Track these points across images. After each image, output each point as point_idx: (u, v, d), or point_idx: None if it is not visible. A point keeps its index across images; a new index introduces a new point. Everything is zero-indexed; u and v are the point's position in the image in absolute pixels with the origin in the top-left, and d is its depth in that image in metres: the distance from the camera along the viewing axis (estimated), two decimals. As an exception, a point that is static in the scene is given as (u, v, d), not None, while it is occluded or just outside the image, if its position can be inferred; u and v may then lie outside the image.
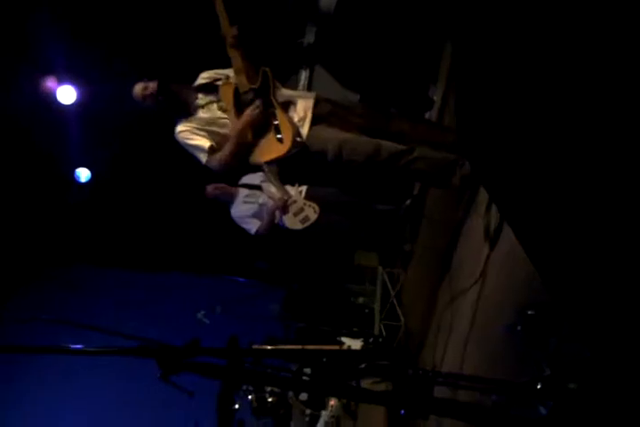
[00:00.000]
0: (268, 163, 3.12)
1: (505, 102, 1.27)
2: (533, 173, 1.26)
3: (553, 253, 1.26)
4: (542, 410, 1.76)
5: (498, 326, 2.08)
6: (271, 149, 3.02)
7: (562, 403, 1.70)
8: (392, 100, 4.84)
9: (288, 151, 2.97)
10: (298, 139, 2.99)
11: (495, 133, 1.33)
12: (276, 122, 3.00)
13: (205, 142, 3.09)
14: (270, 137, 3.01)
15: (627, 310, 1.13)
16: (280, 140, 2.99)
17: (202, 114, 3.17)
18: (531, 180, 1.28)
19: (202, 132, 3.12)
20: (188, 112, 3.17)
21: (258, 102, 2.99)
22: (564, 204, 1.22)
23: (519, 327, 1.84)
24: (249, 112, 2.98)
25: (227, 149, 3.05)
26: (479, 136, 1.39)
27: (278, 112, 3.01)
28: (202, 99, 3.20)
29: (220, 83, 3.17)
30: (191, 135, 3.12)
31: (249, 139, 3.03)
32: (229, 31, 2.99)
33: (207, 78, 3.24)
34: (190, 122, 3.15)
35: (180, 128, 3.15)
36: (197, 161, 3.19)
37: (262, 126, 3.02)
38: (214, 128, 3.15)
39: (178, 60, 4.59)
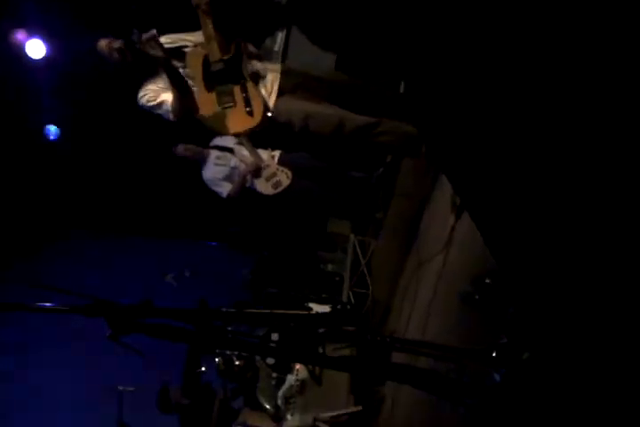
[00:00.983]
0: (237, 134, 3.07)
1: (461, 90, 1.25)
2: (489, 160, 1.25)
3: (503, 232, 1.26)
4: (496, 377, 1.79)
5: (458, 295, 2.09)
6: (240, 121, 2.98)
7: (515, 372, 1.72)
8: (368, 66, 4.77)
9: (257, 125, 2.96)
10: (268, 114, 2.96)
11: (449, 118, 1.31)
12: (245, 94, 2.94)
13: (168, 97, 3.03)
14: (239, 109, 2.96)
15: (572, 281, 1.13)
16: (250, 113, 2.94)
17: (166, 77, 3.07)
18: (486, 166, 1.27)
19: (165, 92, 3.05)
20: (151, 73, 3.08)
21: None
22: (513, 181, 1.21)
23: (477, 296, 1.85)
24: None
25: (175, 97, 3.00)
26: (434, 122, 1.37)
27: (249, 84, 2.95)
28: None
29: (187, 50, 3.07)
30: (154, 95, 3.05)
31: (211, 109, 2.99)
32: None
33: (171, 43, 3.13)
34: (153, 84, 3.07)
35: (142, 92, 3.08)
36: (166, 120, 3.11)
37: (231, 96, 2.95)
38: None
39: (147, 21, 4.45)
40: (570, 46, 1.00)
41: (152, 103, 3.04)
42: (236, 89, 2.96)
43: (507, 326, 1.80)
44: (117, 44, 3.00)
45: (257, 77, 3.02)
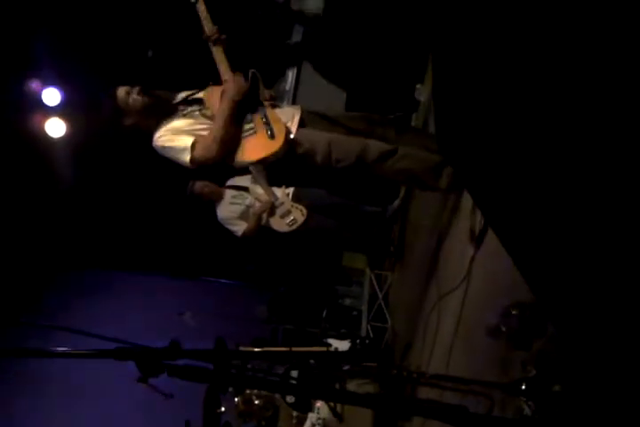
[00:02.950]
0: (259, 162, 2.98)
1: (483, 106, 1.27)
2: (514, 176, 1.26)
3: (535, 255, 1.26)
4: (526, 411, 1.76)
5: (482, 327, 2.07)
6: (262, 145, 2.92)
7: (545, 404, 1.70)
8: (378, 102, 4.84)
9: (281, 147, 2.89)
10: (290, 136, 2.94)
11: (475, 137, 1.33)
12: (265, 120, 2.94)
13: (188, 141, 2.93)
14: (261, 133, 2.92)
15: (610, 312, 1.12)
16: (271, 136, 2.92)
17: (183, 119, 3.08)
18: (512, 182, 1.28)
19: (183, 134, 2.97)
20: (167, 118, 3.03)
21: (238, 77, 2.92)
22: (545, 206, 1.21)
23: (503, 328, 1.84)
24: (233, 79, 2.88)
25: (213, 132, 2.89)
26: (459, 140, 1.39)
27: (268, 110, 2.96)
28: (184, 109, 3.10)
29: (202, 95, 3.10)
30: (171, 137, 2.97)
31: (232, 129, 2.90)
32: (212, 31, 2.94)
33: (187, 95, 3.15)
34: (170, 125, 3.01)
35: (158, 134, 2.99)
36: (181, 166, 3.05)
37: (251, 124, 2.95)
38: (197, 131, 3.00)
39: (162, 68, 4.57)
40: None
41: (169, 144, 2.96)
42: (256, 116, 2.97)
43: (534, 359, 1.79)
44: (137, 90, 3.02)
45: (276, 106, 3.05)
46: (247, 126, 2.95)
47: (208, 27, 2.94)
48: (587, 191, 1.12)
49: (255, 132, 2.94)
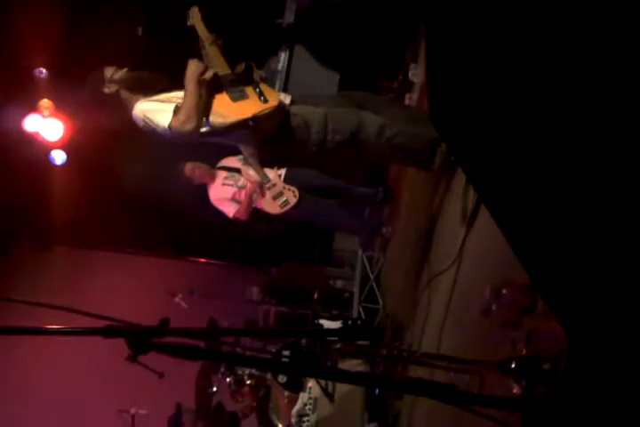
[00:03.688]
0: (250, 120, 2.82)
1: (477, 83, 1.25)
2: (508, 152, 1.25)
3: (528, 231, 1.26)
4: (516, 389, 1.77)
5: (473, 307, 2.08)
6: (254, 105, 2.83)
7: (535, 383, 1.71)
8: (371, 82, 4.81)
9: (274, 107, 2.80)
10: (285, 102, 2.88)
11: (468, 112, 1.31)
12: (257, 89, 2.87)
13: (169, 106, 2.80)
14: (253, 98, 2.84)
15: (602, 289, 1.12)
16: (265, 101, 2.82)
17: (169, 97, 2.98)
18: (505, 158, 1.27)
19: (165, 106, 2.84)
20: (150, 93, 2.92)
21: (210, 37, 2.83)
22: (539, 181, 1.21)
23: (493, 307, 1.84)
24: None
25: (192, 104, 2.76)
26: (452, 115, 1.38)
27: (261, 85, 2.90)
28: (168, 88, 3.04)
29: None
30: (155, 104, 2.86)
31: (204, 97, 2.78)
32: (209, 39, 2.85)
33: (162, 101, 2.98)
34: (155, 97, 2.90)
35: (141, 103, 2.88)
36: (162, 140, 2.96)
37: (240, 89, 2.87)
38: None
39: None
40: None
41: (150, 113, 2.84)
42: (249, 88, 2.90)
43: (525, 337, 1.80)
44: (119, 72, 2.95)
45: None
46: (238, 94, 2.87)
47: (204, 35, 2.86)
48: (579, 167, 1.11)
49: (247, 97, 2.86)
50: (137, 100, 2.93)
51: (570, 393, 1.44)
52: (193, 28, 2.90)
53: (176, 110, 2.78)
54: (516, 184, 1.26)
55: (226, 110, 2.84)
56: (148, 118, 2.86)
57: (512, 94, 1.18)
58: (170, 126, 2.77)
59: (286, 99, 2.94)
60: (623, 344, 1.17)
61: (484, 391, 1.97)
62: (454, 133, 1.35)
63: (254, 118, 2.82)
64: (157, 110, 2.84)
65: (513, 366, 1.77)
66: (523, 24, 1.12)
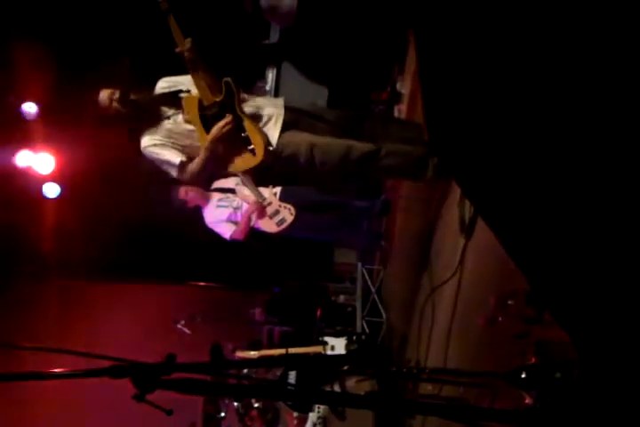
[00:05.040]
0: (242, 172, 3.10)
1: (470, 97, 1.24)
2: (501, 165, 1.24)
3: (527, 242, 1.24)
4: (528, 399, 1.74)
5: (479, 318, 2.05)
6: (243, 160, 3.00)
7: (547, 392, 1.67)
8: (360, 96, 4.82)
9: (261, 163, 2.96)
10: (270, 148, 2.97)
11: (462, 128, 1.30)
12: (244, 134, 2.95)
13: (176, 157, 3.02)
14: (241, 149, 2.98)
15: (605, 296, 1.10)
16: (252, 152, 2.96)
17: (168, 125, 3.08)
18: (499, 171, 1.25)
19: (170, 145, 3.04)
20: (152, 122, 3.06)
21: (229, 118, 2.94)
22: (534, 194, 1.19)
23: (500, 318, 1.81)
24: (217, 129, 2.93)
25: (198, 163, 3.02)
26: (447, 131, 1.36)
27: (247, 123, 2.96)
28: (165, 111, 3.11)
29: (183, 95, 3.08)
30: (160, 150, 3.03)
31: (220, 152, 3.00)
32: (184, 44, 2.89)
33: (167, 87, 3.14)
34: (156, 133, 3.04)
35: (147, 142, 3.05)
36: (167, 173, 3.11)
37: (231, 138, 2.97)
38: (183, 141, 3.06)
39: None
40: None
41: (158, 156, 3.04)
42: (236, 132, 2.98)
43: (534, 347, 1.77)
44: (117, 94, 3.01)
45: (254, 114, 3.02)
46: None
47: (179, 40, 2.89)
48: (573, 178, 1.10)
49: (236, 147, 2.98)
50: (140, 131, 3.07)
51: (583, 402, 1.41)
52: (181, 55, 2.92)
53: (181, 165, 3.02)
54: (511, 194, 1.24)
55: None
56: (154, 159, 3.07)
57: (506, 108, 1.17)
58: (178, 178, 3.08)
59: (274, 135, 2.98)
60: (630, 349, 1.15)
61: (496, 404, 1.93)
62: (449, 147, 1.34)
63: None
64: (164, 162, 3.06)
65: (523, 376, 1.74)
66: (512, 32, 1.11)
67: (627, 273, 1.03)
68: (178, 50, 2.90)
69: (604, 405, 1.32)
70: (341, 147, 2.94)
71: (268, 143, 2.94)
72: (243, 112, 2.98)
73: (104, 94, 3.04)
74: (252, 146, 2.95)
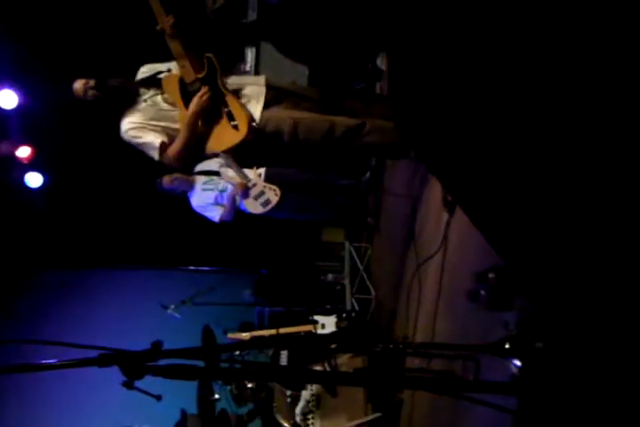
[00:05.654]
0: (225, 151, 3.03)
1: (435, 81, 1.24)
2: (470, 148, 1.24)
3: (500, 223, 1.25)
4: (513, 369, 1.77)
5: (462, 292, 2.07)
6: (226, 137, 2.94)
7: (530, 362, 1.71)
8: (341, 74, 4.78)
9: (244, 138, 2.91)
10: (253, 124, 2.92)
11: (428, 115, 1.31)
12: (227, 109, 2.91)
13: (156, 138, 2.95)
14: (224, 125, 2.92)
15: (578, 273, 1.12)
16: (235, 127, 2.91)
17: (146, 106, 3.03)
18: (467, 152, 1.26)
19: (150, 128, 2.98)
20: (130, 106, 3.03)
21: (204, 89, 2.89)
22: (502, 176, 1.20)
23: (482, 291, 1.84)
24: (196, 100, 2.88)
25: (178, 142, 2.95)
26: (415, 120, 1.37)
27: (229, 98, 2.91)
28: (144, 93, 3.07)
29: (162, 75, 3.05)
30: (139, 132, 2.97)
31: (200, 129, 2.93)
32: (165, 22, 2.85)
33: (147, 72, 3.11)
34: (135, 116, 2.99)
35: (125, 126, 2.99)
36: (149, 157, 3.07)
37: (213, 114, 2.92)
38: (162, 122, 3.01)
39: (117, 59, 4.44)
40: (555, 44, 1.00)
41: (138, 140, 2.98)
42: (220, 107, 2.94)
43: (516, 318, 1.79)
44: (92, 82, 2.98)
45: (237, 91, 3.00)
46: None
47: (161, 18, 2.85)
48: (542, 158, 1.10)
49: (219, 123, 2.92)
50: (119, 115, 3.02)
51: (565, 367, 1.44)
52: (162, 32, 2.89)
53: (162, 146, 2.95)
54: (480, 180, 1.25)
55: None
56: (134, 143, 3.01)
57: (472, 98, 1.18)
58: (159, 161, 3.00)
59: (256, 112, 2.94)
60: (607, 322, 1.17)
61: (482, 375, 1.97)
62: (417, 136, 1.35)
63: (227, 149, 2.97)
64: (144, 145, 3.00)
65: (507, 346, 1.77)
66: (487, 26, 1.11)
67: (593, 249, 1.05)
68: (159, 27, 2.87)
69: (580, 372, 1.35)
70: (325, 123, 2.91)
71: (251, 119, 2.91)
72: (225, 87, 2.94)
73: (78, 84, 3.02)
74: (234, 121, 2.90)
